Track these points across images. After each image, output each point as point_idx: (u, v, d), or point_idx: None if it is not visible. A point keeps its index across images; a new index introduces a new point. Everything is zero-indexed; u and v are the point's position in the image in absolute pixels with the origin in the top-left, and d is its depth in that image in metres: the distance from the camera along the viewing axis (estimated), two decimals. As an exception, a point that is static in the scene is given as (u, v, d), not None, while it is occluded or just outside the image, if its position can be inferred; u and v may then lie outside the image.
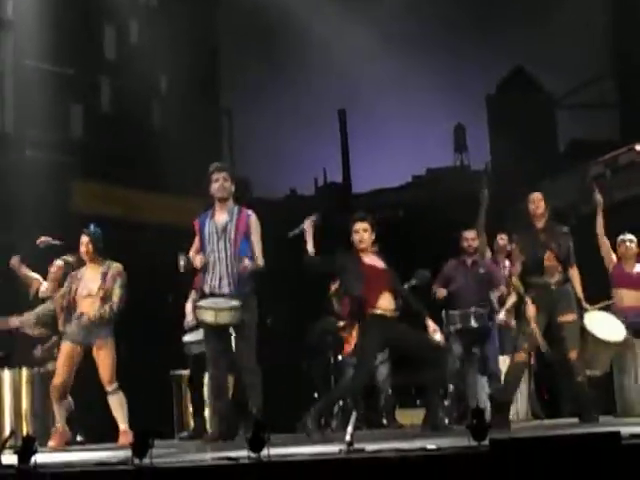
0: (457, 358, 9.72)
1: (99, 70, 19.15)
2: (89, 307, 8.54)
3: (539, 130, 30.19)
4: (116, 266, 8.71)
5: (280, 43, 24.50)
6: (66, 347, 8.59)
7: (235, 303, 7.70)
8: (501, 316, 10.01)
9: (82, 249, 8.70)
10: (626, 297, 9.65)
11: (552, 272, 8.28)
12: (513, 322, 9.74)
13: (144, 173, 17.50)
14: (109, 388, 8.54)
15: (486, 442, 4.35)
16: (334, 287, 10.52)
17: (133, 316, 9.04)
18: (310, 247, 7.88)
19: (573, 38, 25.75)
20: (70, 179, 16.62)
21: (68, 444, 8.73)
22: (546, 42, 27.68)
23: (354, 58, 22.32)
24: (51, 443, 8.56)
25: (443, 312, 9.83)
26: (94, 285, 8.58)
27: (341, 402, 9.83)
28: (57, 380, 8.59)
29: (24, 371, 9.66)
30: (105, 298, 8.54)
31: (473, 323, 9.65)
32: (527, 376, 10.24)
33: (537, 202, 8.37)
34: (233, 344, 8.10)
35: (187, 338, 9.83)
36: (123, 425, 8.49)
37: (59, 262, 9.74)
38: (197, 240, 8.13)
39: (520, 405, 10.20)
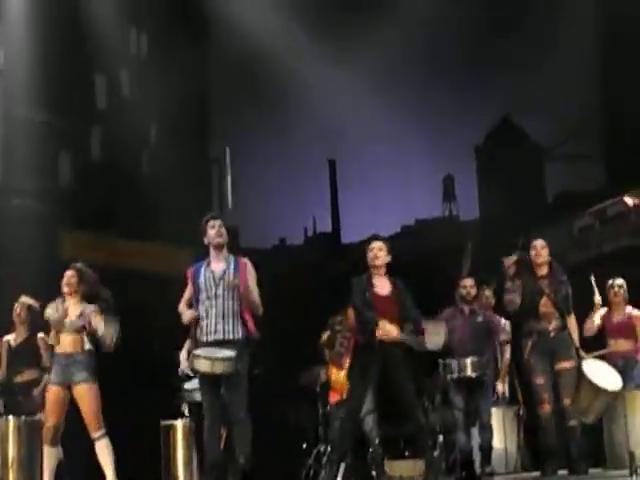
0: (459, 409, 9.63)
1: (90, 119, 19.23)
2: (71, 346, 8.42)
3: (527, 180, 30.37)
4: (93, 306, 8.53)
5: (270, 93, 24.67)
6: (52, 391, 8.47)
7: (231, 353, 7.67)
8: (499, 388, 10.05)
9: (64, 281, 8.48)
10: (620, 345, 9.72)
11: (549, 318, 8.32)
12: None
13: (133, 222, 17.50)
14: (95, 434, 8.33)
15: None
16: (325, 336, 10.50)
17: (119, 363, 8.98)
18: None
19: (560, 89, 25.98)
20: (58, 227, 16.60)
21: None
22: (534, 92, 27.93)
23: (343, 108, 22.47)
24: None
25: (440, 361, 9.76)
26: (76, 321, 8.44)
27: (328, 452, 9.78)
28: (49, 423, 8.46)
29: (11, 419, 9.57)
30: (90, 334, 8.40)
31: (470, 372, 9.57)
32: (517, 427, 10.21)
33: (539, 249, 8.42)
34: (224, 394, 8.06)
35: (188, 386, 9.77)
36: (110, 473, 8.33)
37: (21, 303, 9.70)
38: (189, 289, 8.09)
39: (509, 457, 10.15)
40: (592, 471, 8.29)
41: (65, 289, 8.47)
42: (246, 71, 22.42)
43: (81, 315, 8.41)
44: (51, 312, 8.53)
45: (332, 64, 19.22)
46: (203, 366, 7.69)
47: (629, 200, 15.38)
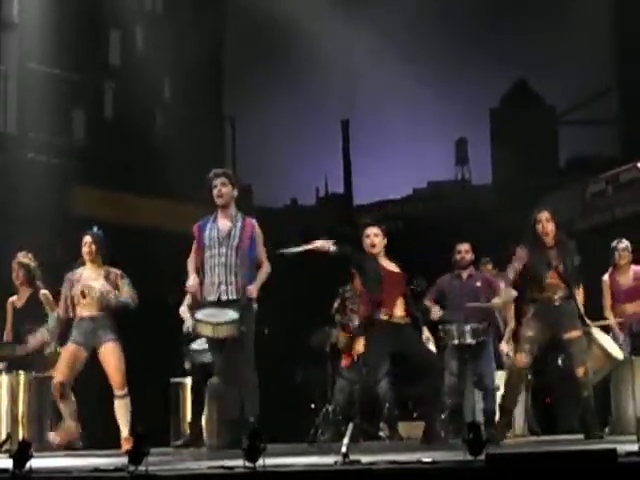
0: (452, 373, 9.69)
1: (103, 75, 19.17)
2: (94, 308, 8.51)
3: (541, 144, 30.19)
4: (116, 270, 8.69)
5: (284, 53, 24.52)
6: (70, 347, 8.54)
7: (233, 316, 7.62)
8: (503, 347, 10.06)
9: (84, 249, 8.61)
10: (628, 309, 9.74)
11: (554, 289, 8.28)
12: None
13: (145, 179, 17.50)
14: (119, 392, 8.45)
15: (482, 457, 4.35)
16: (336, 304, 10.56)
17: (132, 320, 9.03)
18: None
19: (577, 53, 25.77)
20: (71, 183, 16.62)
21: (75, 439, 8.59)
22: (550, 56, 27.70)
23: (357, 70, 22.38)
24: (56, 438, 8.50)
25: (440, 326, 9.79)
26: (96, 284, 8.52)
27: (335, 412, 9.87)
28: (57, 378, 8.54)
29: (21, 376, 9.64)
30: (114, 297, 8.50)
31: (469, 339, 9.59)
32: (524, 391, 10.24)
33: (545, 223, 8.34)
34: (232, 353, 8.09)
35: (194, 346, 9.80)
36: (126, 431, 8.42)
37: (18, 263, 9.73)
38: (195, 246, 8.06)
39: (517, 421, 10.19)
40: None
41: (87, 256, 8.57)
42: (261, 30, 22.28)
43: (106, 278, 8.50)
44: (67, 285, 8.63)
45: (347, 24, 19.11)
46: (205, 331, 7.68)
47: (643, 166, 15.31)
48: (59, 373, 8.56)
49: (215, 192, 7.94)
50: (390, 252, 8.28)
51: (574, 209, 15.42)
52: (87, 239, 8.64)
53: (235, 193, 8.01)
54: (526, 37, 27.92)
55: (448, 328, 9.64)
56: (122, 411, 8.46)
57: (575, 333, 8.27)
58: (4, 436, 8.85)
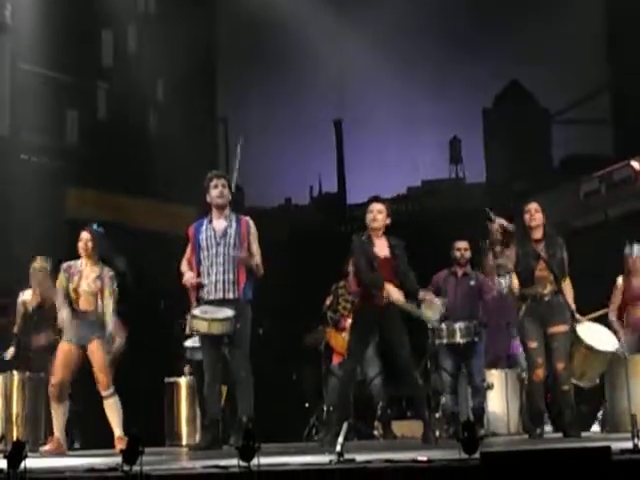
0: (446, 372, 9.69)
1: (96, 76, 19.14)
2: (88, 305, 8.46)
3: (534, 144, 30.24)
4: (110, 271, 8.64)
5: (278, 53, 24.54)
6: (64, 346, 8.50)
7: (229, 313, 7.69)
8: None
9: (80, 244, 8.52)
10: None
11: (544, 283, 8.29)
12: None
13: (139, 180, 17.49)
14: (104, 392, 8.37)
15: (477, 455, 4.35)
16: (329, 301, 10.55)
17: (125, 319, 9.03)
18: None
19: (570, 52, 25.82)
20: (64, 185, 16.60)
21: (62, 454, 8.55)
22: (543, 55, 27.76)
23: (351, 70, 22.38)
24: (45, 448, 8.47)
25: (430, 326, 9.79)
26: (93, 283, 8.49)
27: (329, 411, 9.85)
28: (55, 379, 8.49)
29: (15, 375, 9.62)
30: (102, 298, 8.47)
31: (459, 339, 9.61)
32: (519, 390, 10.25)
33: (533, 213, 8.36)
34: (226, 352, 8.10)
35: (188, 343, 9.80)
36: (118, 430, 8.36)
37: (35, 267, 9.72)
38: (189, 248, 8.11)
39: (512, 419, 10.21)
40: (593, 434, 8.33)
41: (82, 252, 8.52)
42: (253, 31, 22.31)
43: (98, 277, 8.45)
44: (64, 276, 8.58)
45: (339, 24, 19.13)
46: (201, 327, 7.73)
47: (636, 164, 15.33)
48: (56, 374, 8.51)
49: (216, 192, 8.03)
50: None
51: (568, 208, 15.42)
52: (84, 235, 8.57)
53: (230, 197, 8.14)
54: (518, 37, 27.95)
55: (438, 327, 9.64)
56: (110, 411, 8.39)
57: (561, 328, 8.28)
58: (-2, 437, 8.84)
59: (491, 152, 31.07)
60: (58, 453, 8.36)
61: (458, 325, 9.55)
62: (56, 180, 16.17)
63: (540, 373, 8.34)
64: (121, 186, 17.33)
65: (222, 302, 7.81)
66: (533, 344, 8.33)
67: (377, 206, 8.15)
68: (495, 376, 10.20)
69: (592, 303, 9.67)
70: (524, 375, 9.90)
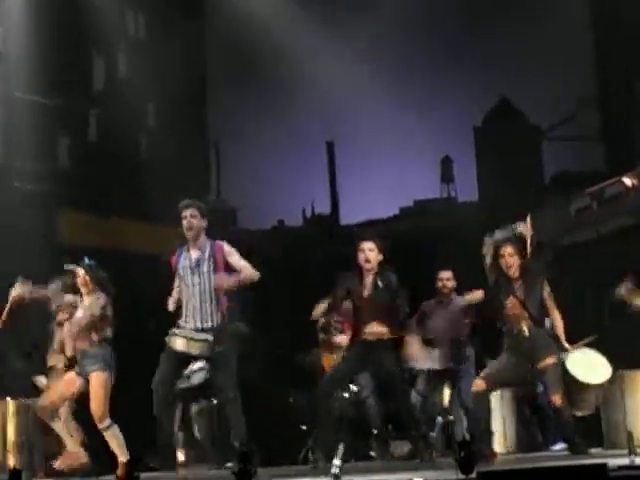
0: (417, 393, 9.72)
1: (87, 101, 19.19)
2: (81, 341, 8.42)
3: (526, 161, 30.28)
4: (103, 299, 8.51)
5: (268, 75, 24.60)
6: (69, 374, 8.43)
7: (208, 337, 7.74)
8: None
9: (79, 281, 8.43)
10: None
11: (518, 320, 8.18)
12: None
13: (131, 203, 17.51)
14: (100, 425, 8.21)
15: (473, 475, 4.35)
16: (321, 322, 10.53)
17: (116, 344, 8.97)
18: None
19: (559, 70, 25.93)
20: (57, 209, 16.60)
21: (80, 467, 8.39)
22: (532, 73, 27.87)
23: (341, 90, 22.42)
24: (57, 462, 8.35)
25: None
26: (82, 319, 8.43)
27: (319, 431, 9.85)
28: (48, 400, 8.39)
29: (10, 402, 9.59)
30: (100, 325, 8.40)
31: (445, 364, 9.71)
32: (514, 408, 10.25)
33: (507, 257, 8.22)
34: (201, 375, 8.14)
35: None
36: (122, 457, 8.20)
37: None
38: (176, 276, 8.15)
39: (508, 437, 10.20)
40: (591, 450, 8.31)
41: (82, 289, 8.42)
42: (244, 54, 22.36)
43: (88, 309, 8.36)
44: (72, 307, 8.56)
45: (330, 43, 19.18)
46: (179, 345, 7.80)
47: (627, 181, 15.33)
48: (52, 395, 8.40)
49: (185, 223, 8.01)
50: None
51: (559, 225, 15.44)
52: (79, 272, 8.44)
53: (204, 224, 8.07)
54: (508, 54, 28.08)
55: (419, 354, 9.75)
56: (111, 442, 8.22)
57: (549, 360, 8.16)
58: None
59: (483, 170, 31.11)
60: (76, 467, 8.24)
61: (438, 352, 9.66)
62: (49, 205, 16.17)
63: (481, 385, 8.27)
64: (113, 210, 17.34)
65: (200, 329, 7.84)
66: (498, 365, 8.27)
67: (367, 244, 8.06)
68: (491, 396, 10.20)
69: (585, 320, 9.68)
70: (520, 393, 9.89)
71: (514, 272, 8.21)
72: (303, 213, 30.68)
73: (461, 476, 4.44)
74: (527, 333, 8.13)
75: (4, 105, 16.66)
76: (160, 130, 19.95)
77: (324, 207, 29.72)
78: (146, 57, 19.33)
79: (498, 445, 10.09)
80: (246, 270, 7.97)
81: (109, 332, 8.29)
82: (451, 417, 9.83)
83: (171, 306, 8.05)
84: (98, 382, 8.19)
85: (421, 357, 9.72)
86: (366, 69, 21.68)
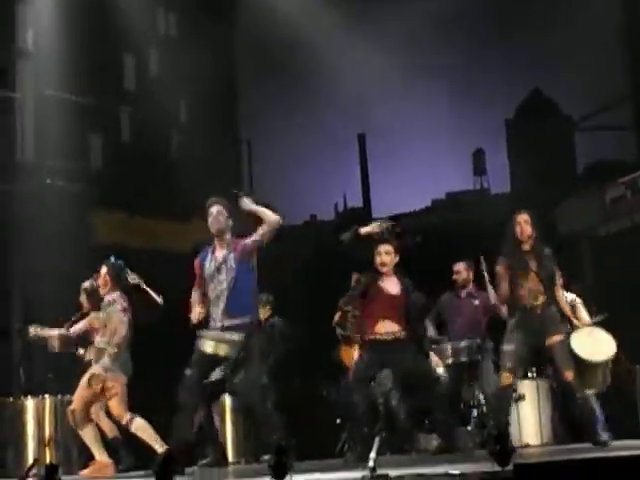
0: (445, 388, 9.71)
1: (119, 100, 19.28)
2: (96, 354, 8.47)
3: (558, 152, 30.16)
4: (122, 301, 8.48)
5: (299, 70, 24.60)
6: (84, 376, 8.46)
7: (237, 337, 7.68)
8: None
9: (100, 281, 8.50)
10: None
11: (535, 295, 8.19)
12: None
13: (163, 202, 17.57)
14: (123, 422, 8.27)
15: (510, 467, 4.33)
16: (337, 317, 10.51)
17: (153, 344, 9.00)
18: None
19: (592, 60, 25.76)
20: (89, 208, 16.68)
21: (109, 475, 8.36)
22: (565, 64, 27.71)
23: (373, 84, 22.39)
24: (84, 471, 8.37)
25: (434, 346, 9.85)
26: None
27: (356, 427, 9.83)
28: (70, 408, 8.41)
29: (47, 399, 9.65)
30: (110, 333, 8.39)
31: (463, 357, 9.70)
32: (551, 400, 10.19)
33: (522, 224, 8.24)
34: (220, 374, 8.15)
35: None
36: (157, 447, 8.12)
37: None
38: (197, 279, 8.06)
39: (544, 429, 10.15)
40: (629, 442, 8.25)
41: (101, 290, 8.46)
42: (274, 51, 22.37)
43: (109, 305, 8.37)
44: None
45: (360, 40, 19.14)
46: (208, 347, 7.75)
47: (661, 169, 15.24)
48: (77, 399, 8.41)
49: (210, 220, 7.96)
50: (409, 265, 8.27)
51: (593, 215, 15.35)
52: (102, 270, 8.48)
53: (230, 222, 8.00)
54: (539, 46, 27.94)
55: (443, 347, 9.75)
56: (142, 435, 8.22)
57: (557, 338, 8.13)
58: (31, 461, 8.84)
59: (515, 162, 31.01)
60: (100, 477, 8.25)
61: (462, 344, 9.66)
62: (81, 204, 16.25)
63: (508, 377, 8.24)
64: (145, 209, 17.40)
65: (228, 329, 7.79)
66: (510, 347, 8.21)
67: (385, 247, 8.11)
68: (526, 386, 10.15)
69: (620, 308, 9.61)
70: (555, 385, 9.84)
71: (527, 242, 8.19)
72: (335, 207, 30.72)
73: (497, 468, 4.42)
74: (540, 310, 8.11)
75: (35, 103, 16.77)
76: (191, 129, 20.01)
77: (356, 201, 29.75)
78: (177, 56, 19.39)
79: (533, 437, 10.06)
80: (270, 218, 7.93)
81: (126, 332, 8.28)
82: (485, 409, 9.79)
83: (195, 319, 7.94)
84: (113, 382, 8.21)
85: (441, 352, 9.74)
86: (397, 64, 21.62)
